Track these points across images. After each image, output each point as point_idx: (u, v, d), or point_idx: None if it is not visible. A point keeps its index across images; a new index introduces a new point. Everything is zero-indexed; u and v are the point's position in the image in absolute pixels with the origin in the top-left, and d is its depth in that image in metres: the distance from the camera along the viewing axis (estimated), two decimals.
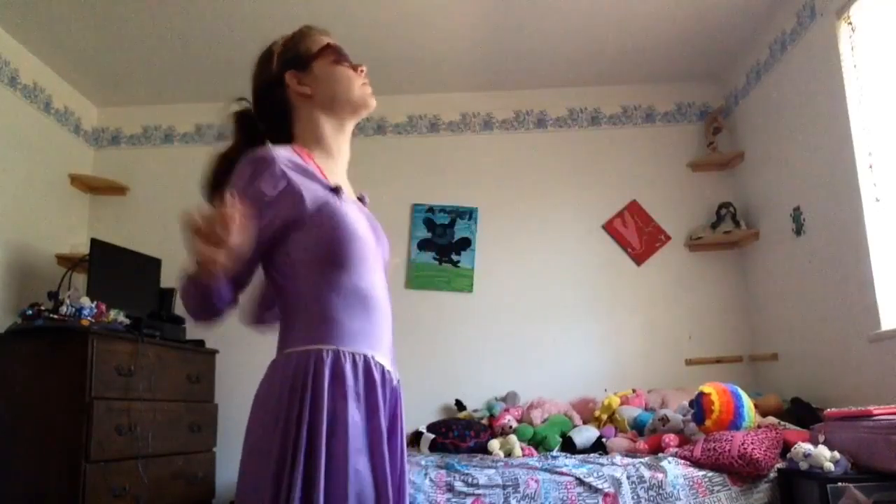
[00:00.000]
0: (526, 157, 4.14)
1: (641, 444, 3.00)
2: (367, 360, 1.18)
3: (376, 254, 1.28)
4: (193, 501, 3.28)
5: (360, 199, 1.39)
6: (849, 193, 2.85)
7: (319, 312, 1.17)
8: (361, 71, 1.37)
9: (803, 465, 2.39)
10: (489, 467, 2.70)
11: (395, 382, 1.26)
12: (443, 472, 2.65)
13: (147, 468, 2.94)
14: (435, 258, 4.03)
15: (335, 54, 1.34)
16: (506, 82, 4.13)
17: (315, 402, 1.11)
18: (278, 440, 1.09)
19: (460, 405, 3.71)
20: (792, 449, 2.48)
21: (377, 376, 1.19)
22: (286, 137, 1.32)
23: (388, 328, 1.27)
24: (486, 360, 3.87)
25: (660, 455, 2.80)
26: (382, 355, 1.23)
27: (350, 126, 1.39)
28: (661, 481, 2.53)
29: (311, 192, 1.19)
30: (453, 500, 2.54)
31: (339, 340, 1.17)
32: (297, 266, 1.19)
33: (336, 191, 1.23)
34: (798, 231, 3.30)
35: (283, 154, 1.20)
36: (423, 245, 4.04)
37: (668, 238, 3.99)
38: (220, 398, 3.59)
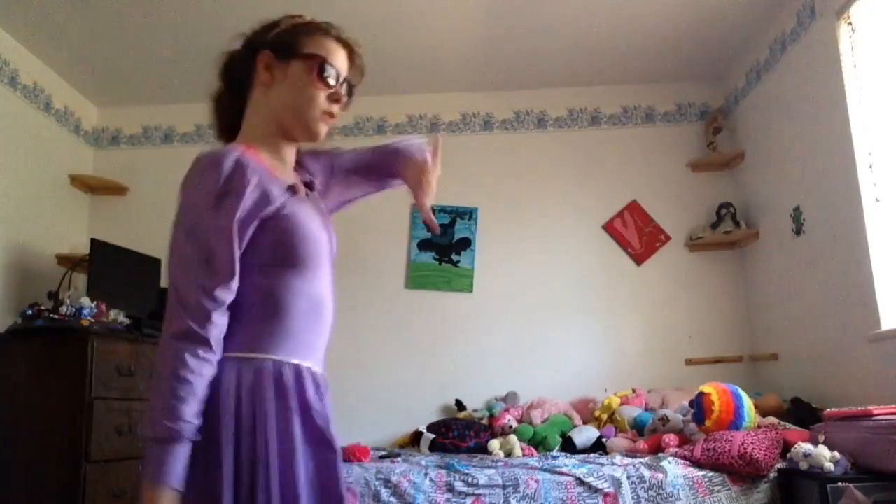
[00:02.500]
0: (526, 157, 4.14)
1: (641, 444, 3.00)
2: (308, 372, 1.16)
3: (328, 254, 1.24)
4: None
5: (309, 185, 1.31)
6: (849, 193, 2.85)
7: (265, 318, 1.13)
8: (336, 101, 1.23)
9: (803, 465, 2.39)
10: (489, 467, 2.71)
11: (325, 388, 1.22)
12: (443, 472, 2.65)
13: None
14: (435, 258, 4.03)
15: (320, 69, 1.20)
16: (506, 82, 4.13)
17: (260, 415, 1.07)
18: (224, 452, 1.05)
19: (460, 405, 3.71)
20: (792, 449, 2.49)
21: (312, 387, 1.16)
22: (234, 110, 1.27)
23: (328, 332, 1.24)
24: (486, 360, 3.87)
25: (660, 455, 2.80)
26: (317, 361, 1.20)
27: (288, 148, 1.26)
28: (661, 481, 2.53)
29: (272, 193, 1.14)
30: (453, 500, 2.54)
31: (283, 350, 1.13)
32: (248, 267, 1.12)
33: (292, 189, 1.18)
34: (798, 231, 3.30)
35: (246, 156, 1.14)
36: (423, 245, 4.04)
37: (668, 238, 3.99)
38: None
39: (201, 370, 1.05)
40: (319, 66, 1.21)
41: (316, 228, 1.19)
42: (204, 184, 1.09)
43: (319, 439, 1.14)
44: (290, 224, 1.14)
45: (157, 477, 1.00)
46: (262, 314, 1.13)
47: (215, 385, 1.07)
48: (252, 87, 1.24)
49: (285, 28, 1.24)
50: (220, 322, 1.08)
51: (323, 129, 1.23)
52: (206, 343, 1.06)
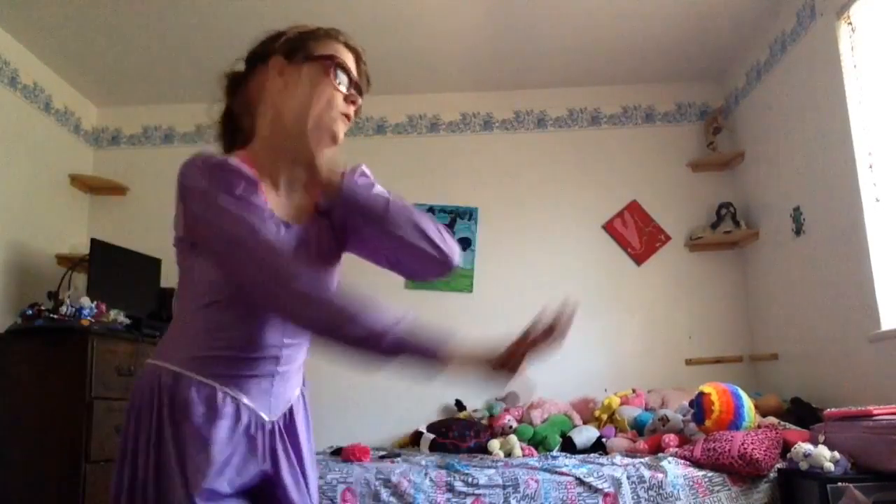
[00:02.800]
0: (526, 157, 4.14)
1: (641, 444, 3.00)
2: (235, 401, 1.11)
3: None
4: None
5: (326, 213, 1.23)
6: (849, 193, 2.85)
7: (198, 335, 1.11)
8: (352, 103, 1.19)
9: (803, 465, 2.39)
10: (489, 467, 2.71)
11: (268, 427, 1.15)
12: (443, 472, 2.65)
13: None
14: None
15: (334, 68, 1.16)
16: (506, 82, 4.13)
17: (180, 433, 1.05)
18: (141, 460, 1.06)
19: (460, 405, 3.71)
20: (792, 449, 2.48)
21: (238, 419, 1.11)
22: (241, 126, 1.24)
23: (272, 376, 1.16)
24: None
25: (660, 455, 2.80)
26: (253, 398, 1.13)
27: (297, 164, 1.17)
28: (661, 481, 2.53)
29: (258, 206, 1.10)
30: (453, 500, 2.54)
31: (209, 373, 1.10)
32: (201, 276, 1.10)
33: (277, 219, 1.14)
34: (798, 231, 3.30)
35: (242, 167, 1.11)
36: None
37: (668, 238, 3.99)
38: None
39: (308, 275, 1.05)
40: (335, 66, 1.17)
41: None
42: (212, 176, 1.08)
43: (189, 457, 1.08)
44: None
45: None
46: (192, 329, 1.13)
47: (149, 387, 1.09)
48: (260, 102, 1.19)
49: (293, 35, 1.20)
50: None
51: (342, 130, 1.18)
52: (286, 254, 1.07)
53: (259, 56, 1.21)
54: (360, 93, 1.22)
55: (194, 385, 1.08)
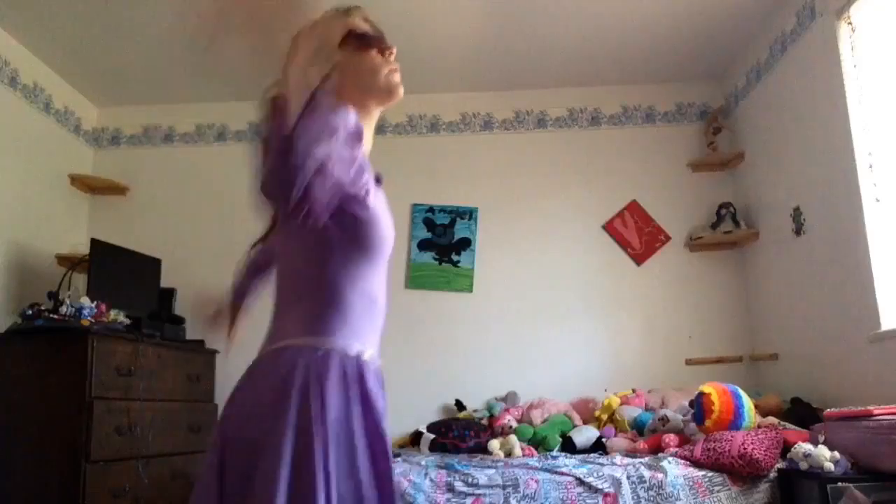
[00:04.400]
0: (526, 157, 4.14)
1: (641, 444, 3.00)
2: (366, 362, 1.17)
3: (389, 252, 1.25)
4: None
5: (377, 179, 1.31)
6: (849, 193, 2.85)
7: (332, 304, 1.12)
8: (390, 54, 1.29)
9: (803, 465, 2.39)
10: (489, 467, 2.70)
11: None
12: (443, 472, 2.65)
13: (147, 468, 2.94)
14: (435, 258, 4.03)
15: (357, 41, 1.26)
16: (506, 82, 4.13)
17: (324, 405, 1.06)
18: (290, 442, 1.04)
19: (460, 405, 3.71)
20: (792, 449, 2.48)
21: (373, 377, 1.17)
22: None
23: (381, 326, 1.25)
24: (486, 360, 3.87)
25: (660, 455, 2.80)
26: (375, 351, 1.22)
27: (376, 114, 1.32)
28: (661, 481, 2.53)
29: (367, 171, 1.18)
30: (453, 500, 2.54)
31: (346, 337, 1.12)
32: (330, 246, 1.11)
33: (378, 180, 1.21)
34: (798, 231, 3.30)
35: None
36: (423, 245, 4.04)
37: (668, 238, 3.99)
38: (220, 398, 3.59)
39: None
40: (356, 37, 1.24)
41: (389, 224, 1.21)
42: (344, 115, 1.09)
43: (374, 431, 1.13)
44: (378, 211, 1.16)
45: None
46: (323, 301, 1.13)
47: (284, 372, 1.08)
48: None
49: (325, 24, 1.24)
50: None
51: (398, 80, 1.28)
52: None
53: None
54: (384, 39, 1.30)
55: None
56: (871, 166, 2.78)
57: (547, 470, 2.65)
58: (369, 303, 1.17)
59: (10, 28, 3.43)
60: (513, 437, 3.20)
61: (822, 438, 2.52)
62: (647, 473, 2.56)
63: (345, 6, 1.29)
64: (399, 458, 2.97)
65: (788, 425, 2.86)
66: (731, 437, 2.64)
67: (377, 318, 1.21)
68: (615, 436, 3.18)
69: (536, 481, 2.57)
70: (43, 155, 3.73)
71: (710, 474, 2.56)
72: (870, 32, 2.80)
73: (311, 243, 1.13)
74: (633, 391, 3.53)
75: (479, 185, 4.09)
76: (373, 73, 1.26)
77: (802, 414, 2.98)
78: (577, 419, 3.42)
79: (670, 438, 2.94)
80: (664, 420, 3.09)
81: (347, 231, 1.12)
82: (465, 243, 4.03)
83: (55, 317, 2.85)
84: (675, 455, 2.74)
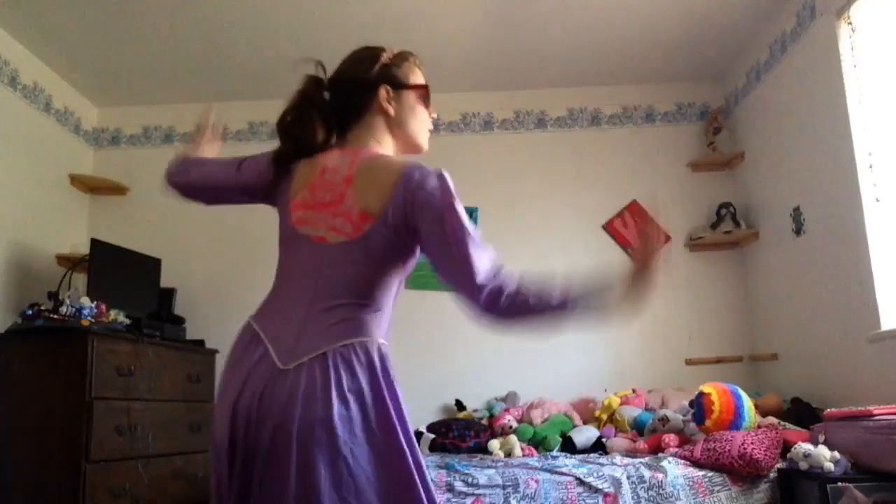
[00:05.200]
0: (526, 157, 4.14)
1: (641, 444, 3.00)
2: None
3: None
4: (193, 501, 3.28)
5: None
6: (849, 193, 2.85)
7: (382, 310, 1.33)
8: (432, 117, 1.50)
9: (803, 465, 2.39)
10: (489, 467, 2.70)
11: None
12: (443, 472, 2.65)
13: (147, 468, 2.94)
14: None
15: (426, 96, 1.47)
16: (506, 82, 4.13)
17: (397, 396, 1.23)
18: (402, 437, 1.17)
19: (460, 405, 3.71)
20: (792, 449, 2.49)
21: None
22: (337, 129, 1.42)
23: None
24: (486, 360, 3.87)
25: (660, 455, 2.80)
26: None
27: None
28: (661, 481, 2.53)
29: None
30: (453, 500, 2.54)
31: (385, 336, 1.31)
32: (402, 269, 1.36)
33: None
34: (798, 231, 3.30)
35: None
36: None
37: (668, 238, 3.99)
38: None
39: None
40: (426, 92, 1.48)
41: None
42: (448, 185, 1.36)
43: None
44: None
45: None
46: (385, 308, 1.34)
47: (381, 365, 1.23)
48: (369, 115, 1.41)
49: (386, 62, 1.45)
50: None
51: (428, 136, 1.50)
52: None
53: (365, 80, 1.42)
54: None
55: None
56: (871, 166, 2.78)
57: (547, 470, 2.65)
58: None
59: (10, 28, 3.43)
60: (513, 437, 3.20)
61: (822, 438, 2.52)
62: (647, 473, 2.56)
63: (418, 58, 1.53)
64: None
65: (788, 425, 2.87)
66: (731, 437, 2.64)
67: None
68: (615, 436, 3.18)
69: (536, 481, 2.57)
70: (43, 155, 3.73)
71: (710, 474, 2.56)
72: (870, 32, 2.81)
73: (387, 264, 1.33)
74: (633, 391, 3.53)
75: (479, 186, 4.09)
76: (421, 126, 1.47)
77: (802, 414, 2.98)
78: (577, 419, 3.42)
79: (670, 438, 2.94)
80: (664, 420, 3.09)
81: (409, 262, 1.39)
82: None
83: (55, 317, 2.85)
84: (675, 455, 2.74)
